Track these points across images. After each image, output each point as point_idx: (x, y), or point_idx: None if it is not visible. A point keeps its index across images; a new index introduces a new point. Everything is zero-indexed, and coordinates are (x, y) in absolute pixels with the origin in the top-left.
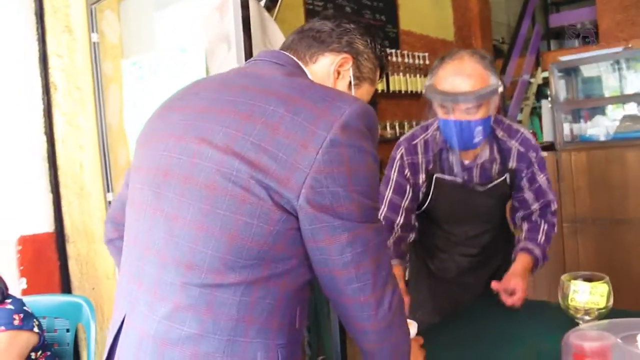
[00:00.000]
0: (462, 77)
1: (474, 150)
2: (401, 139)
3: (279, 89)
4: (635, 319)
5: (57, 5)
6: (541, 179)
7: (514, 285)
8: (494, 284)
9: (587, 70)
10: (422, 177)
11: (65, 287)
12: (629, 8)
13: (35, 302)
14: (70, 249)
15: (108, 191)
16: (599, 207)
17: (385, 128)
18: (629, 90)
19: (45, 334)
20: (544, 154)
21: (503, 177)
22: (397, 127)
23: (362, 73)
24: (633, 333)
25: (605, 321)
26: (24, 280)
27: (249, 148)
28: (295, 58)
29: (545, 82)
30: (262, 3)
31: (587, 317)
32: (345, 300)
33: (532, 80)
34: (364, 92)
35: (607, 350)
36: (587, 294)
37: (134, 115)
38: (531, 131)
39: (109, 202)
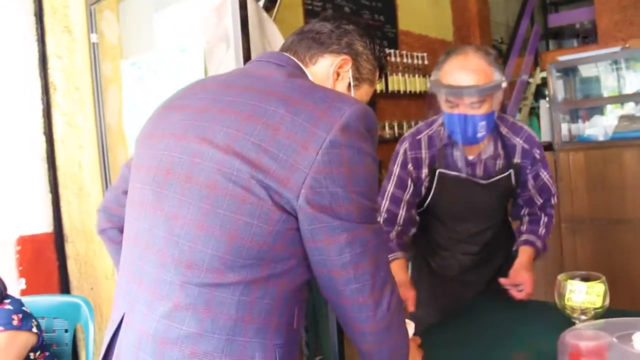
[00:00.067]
0: (467, 72)
1: (477, 146)
2: (406, 134)
3: (279, 89)
4: (632, 318)
5: (57, 5)
6: (545, 175)
7: (521, 279)
8: (503, 281)
9: (585, 70)
10: (424, 171)
11: (64, 287)
12: (627, 8)
13: (34, 302)
14: (69, 249)
15: (107, 191)
16: (596, 207)
17: (384, 128)
18: (627, 90)
19: (44, 334)
20: None
21: (507, 173)
22: (395, 127)
23: (362, 74)
24: (629, 332)
25: (602, 321)
26: (23, 280)
27: (249, 148)
28: (295, 59)
29: (544, 82)
30: (261, 3)
31: (583, 317)
32: (343, 301)
33: (531, 80)
34: (363, 92)
35: (603, 350)
36: (583, 294)
37: (133, 116)
38: None
39: None
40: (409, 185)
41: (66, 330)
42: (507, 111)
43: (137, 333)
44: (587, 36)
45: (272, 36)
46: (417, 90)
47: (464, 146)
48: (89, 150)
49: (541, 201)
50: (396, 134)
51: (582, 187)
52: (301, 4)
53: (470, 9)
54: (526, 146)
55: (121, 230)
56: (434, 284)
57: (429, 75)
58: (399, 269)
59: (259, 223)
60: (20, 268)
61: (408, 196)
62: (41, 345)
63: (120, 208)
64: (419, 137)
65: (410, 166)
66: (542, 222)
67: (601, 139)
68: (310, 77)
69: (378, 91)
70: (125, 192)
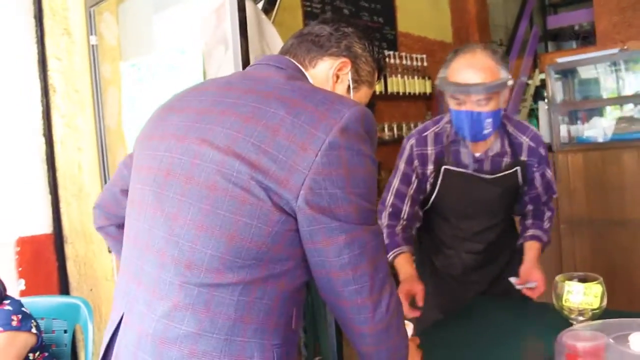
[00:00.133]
0: (474, 69)
1: (484, 143)
2: (413, 131)
3: (280, 91)
4: (628, 319)
5: (56, 7)
6: (549, 173)
7: (534, 278)
8: (516, 282)
9: (584, 72)
10: (430, 168)
11: (64, 288)
12: (626, 10)
13: (34, 303)
14: (69, 250)
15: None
16: (595, 208)
17: (383, 130)
18: (626, 92)
19: (43, 335)
20: None
21: (513, 170)
22: (395, 129)
23: (361, 76)
24: (625, 333)
25: (599, 321)
26: (23, 281)
27: (249, 149)
28: (295, 62)
29: (543, 84)
30: (260, 5)
31: (581, 318)
32: (342, 302)
33: (530, 82)
34: (362, 94)
35: (599, 351)
36: (581, 295)
37: (132, 117)
38: None
39: None
40: (413, 181)
41: (65, 331)
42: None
43: (136, 333)
44: (587, 37)
45: (271, 38)
46: (416, 92)
47: (470, 143)
48: (89, 152)
49: (546, 197)
50: (395, 136)
51: (581, 188)
52: (300, 6)
53: (469, 10)
54: (532, 144)
55: (119, 227)
56: (436, 282)
57: (428, 77)
58: (406, 263)
59: (259, 224)
60: (20, 269)
61: (412, 192)
62: (40, 346)
63: (116, 206)
64: (425, 134)
65: (416, 162)
66: (545, 216)
67: (600, 140)
68: (310, 80)
69: (377, 93)
70: (122, 190)
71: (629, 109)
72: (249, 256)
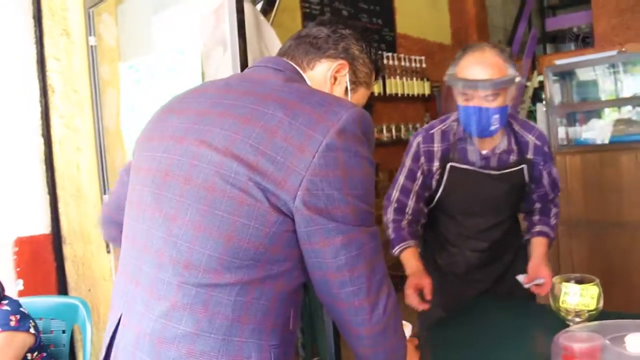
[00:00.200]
0: (483, 66)
1: (491, 140)
2: (420, 129)
3: (278, 93)
4: (625, 320)
5: (55, 8)
6: (555, 171)
7: (542, 275)
8: (525, 280)
9: (582, 74)
10: (436, 164)
11: (62, 288)
12: (624, 12)
13: (32, 303)
14: (67, 251)
15: (104, 193)
16: (593, 210)
17: (381, 131)
18: (624, 94)
19: (41, 335)
20: None
21: (520, 167)
22: (393, 130)
23: (358, 78)
24: (622, 334)
25: (595, 323)
26: (21, 281)
27: (247, 150)
28: (293, 64)
29: (541, 86)
30: (259, 6)
31: (577, 319)
32: (339, 304)
33: (528, 83)
34: (360, 96)
35: (596, 352)
36: (577, 296)
37: (131, 118)
38: None
39: None
40: (418, 177)
41: (64, 331)
42: None
43: (134, 332)
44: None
45: (269, 39)
46: (415, 94)
47: (477, 141)
48: (87, 153)
49: (552, 195)
50: (394, 137)
51: (579, 190)
52: (299, 7)
53: (468, 12)
54: (538, 143)
55: None
56: (439, 280)
57: (427, 79)
58: (412, 257)
59: (256, 224)
60: (18, 269)
61: (417, 188)
62: (39, 346)
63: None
64: (432, 131)
65: (422, 159)
66: (552, 212)
67: (598, 142)
68: (308, 82)
69: (376, 94)
70: (125, 197)
71: (627, 111)
72: (246, 257)
